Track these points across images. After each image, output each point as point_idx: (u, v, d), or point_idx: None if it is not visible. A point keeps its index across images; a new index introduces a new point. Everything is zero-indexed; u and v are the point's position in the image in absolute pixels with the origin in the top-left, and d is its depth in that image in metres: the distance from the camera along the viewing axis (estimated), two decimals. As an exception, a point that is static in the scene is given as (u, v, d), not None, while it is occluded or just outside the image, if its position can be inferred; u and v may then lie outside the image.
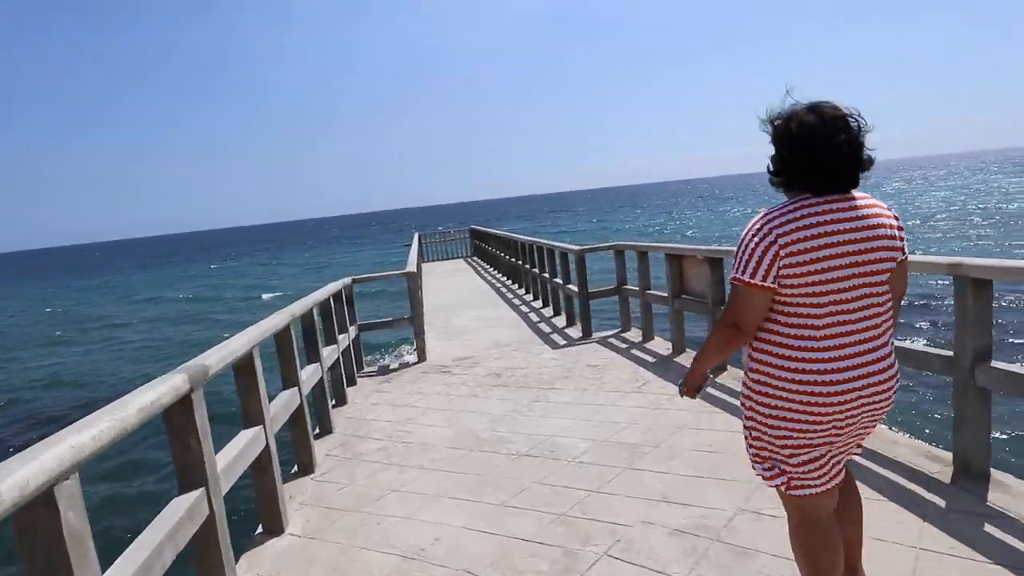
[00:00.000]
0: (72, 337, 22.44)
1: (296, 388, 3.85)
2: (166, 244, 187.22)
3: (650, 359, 6.01)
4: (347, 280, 6.67)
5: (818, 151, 1.61)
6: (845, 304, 1.64)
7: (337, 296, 6.18)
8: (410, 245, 14.52)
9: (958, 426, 2.96)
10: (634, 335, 7.16)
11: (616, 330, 7.53)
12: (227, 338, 2.92)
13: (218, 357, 2.50)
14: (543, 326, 8.60)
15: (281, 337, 3.78)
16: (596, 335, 7.49)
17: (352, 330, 6.62)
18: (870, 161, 1.67)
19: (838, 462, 1.80)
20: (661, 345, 6.47)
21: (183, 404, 2.16)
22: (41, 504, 1.39)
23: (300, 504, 3.53)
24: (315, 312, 4.67)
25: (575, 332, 7.84)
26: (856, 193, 1.69)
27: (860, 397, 1.65)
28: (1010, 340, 9.93)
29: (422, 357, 7.16)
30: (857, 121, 1.64)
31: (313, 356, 4.64)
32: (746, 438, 1.85)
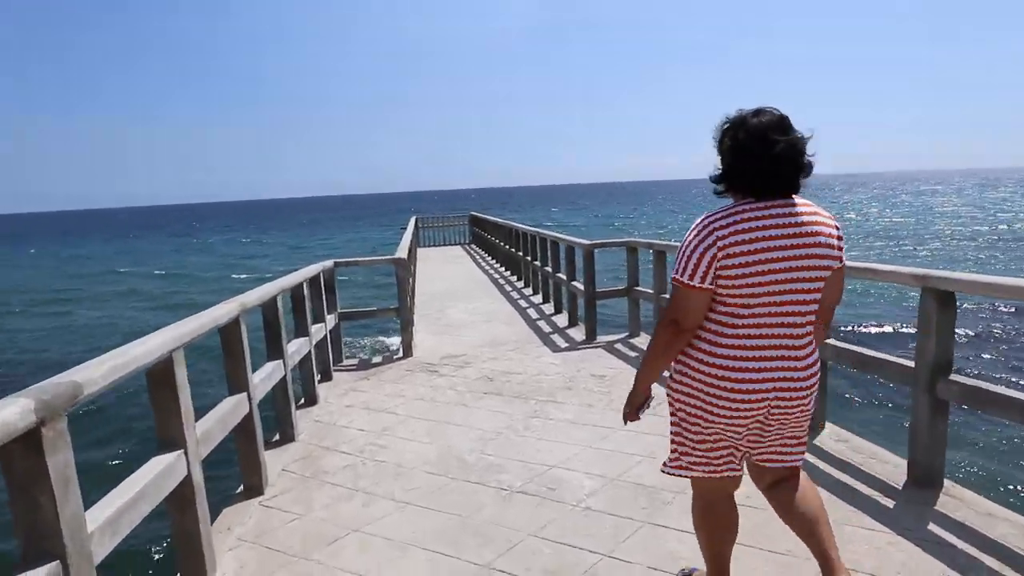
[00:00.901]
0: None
1: (244, 394, 3.14)
2: (151, 215, 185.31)
3: (664, 372, 5.32)
4: (328, 263, 5.95)
5: (760, 155, 1.66)
6: (773, 307, 1.70)
7: (314, 281, 5.47)
8: (405, 228, 13.78)
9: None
10: (644, 342, 6.47)
11: (624, 335, 6.84)
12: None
13: (102, 371, 1.78)
14: (543, 324, 7.90)
15: (227, 332, 3.08)
16: (602, 339, 6.79)
17: (331, 319, 5.91)
18: (810, 167, 1.71)
19: (744, 455, 1.91)
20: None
21: (27, 448, 1.46)
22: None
23: (238, 540, 2.83)
24: (279, 301, 3.96)
25: (578, 334, 7.14)
26: (798, 199, 1.73)
27: (767, 398, 1.74)
28: (970, 354, 10.08)
29: (408, 352, 6.46)
30: (799, 131, 1.69)
31: (274, 352, 3.94)
32: (673, 427, 1.92)
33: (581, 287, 7.05)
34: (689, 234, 1.72)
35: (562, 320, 7.99)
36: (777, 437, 1.85)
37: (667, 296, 5.87)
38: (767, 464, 1.90)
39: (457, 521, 2.89)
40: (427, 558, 2.60)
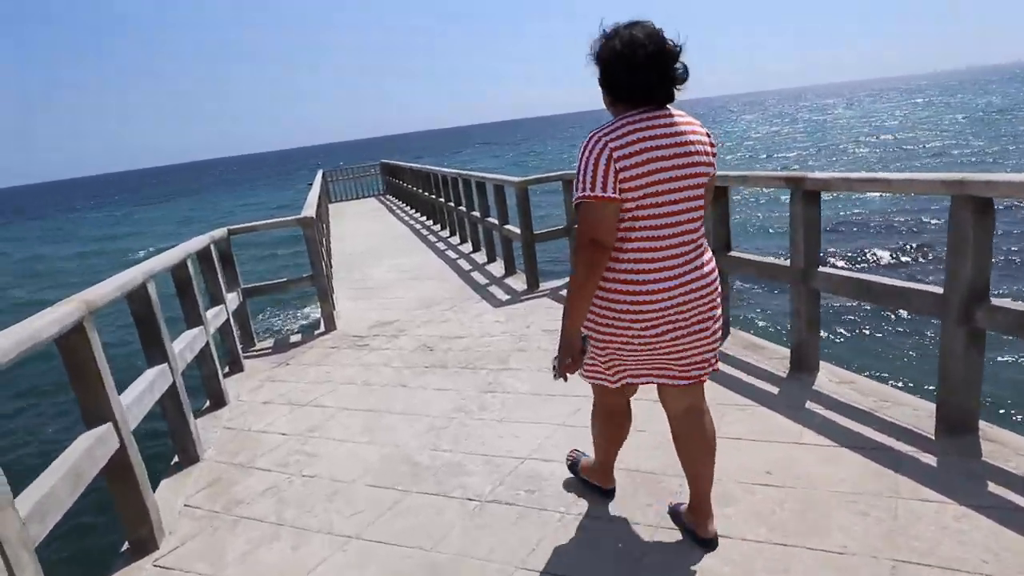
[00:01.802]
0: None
1: (108, 424, 2.31)
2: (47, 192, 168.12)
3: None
4: (220, 232, 4.97)
5: (635, 63, 1.67)
6: (668, 216, 1.72)
7: (204, 255, 4.53)
8: (311, 185, 12.54)
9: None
10: None
11: (568, 280, 6.26)
12: None
13: None
14: (477, 276, 7.20)
15: (69, 345, 2.21)
16: (545, 287, 6.19)
17: (232, 298, 4.99)
18: (684, 74, 1.72)
19: (648, 371, 1.92)
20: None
21: None
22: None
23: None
24: (151, 287, 3.06)
25: (518, 284, 6.51)
26: (673, 110, 1.76)
27: (672, 304, 1.75)
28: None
29: (330, 326, 5.63)
30: (671, 40, 1.69)
31: (155, 354, 3.07)
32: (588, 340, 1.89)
33: (516, 231, 6.37)
34: (582, 152, 1.71)
35: (497, 269, 7.32)
36: (684, 350, 1.85)
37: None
38: (676, 382, 1.93)
39: (420, 559, 2.23)
40: (387, 625, 1.94)
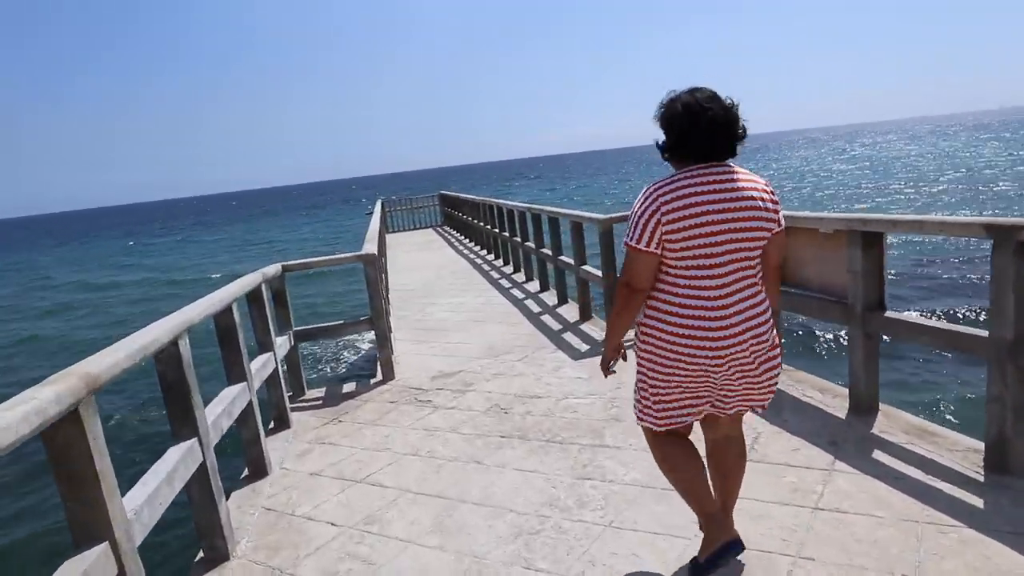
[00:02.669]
0: None
1: (106, 544, 1.70)
2: (116, 215, 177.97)
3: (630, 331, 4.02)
4: (272, 269, 4.46)
5: (695, 124, 1.78)
6: (719, 268, 1.80)
7: (254, 296, 3.99)
8: (371, 214, 12.19)
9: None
10: None
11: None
12: None
13: None
14: (549, 320, 6.51)
15: (58, 439, 1.62)
16: (627, 335, 5.45)
17: (282, 342, 4.44)
18: (744, 132, 1.84)
19: (702, 409, 1.99)
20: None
21: None
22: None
23: None
24: (183, 345, 2.49)
25: (595, 330, 5.79)
26: (735, 167, 1.86)
27: (723, 353, 1.82)
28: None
29: (388, 375, 5.02)
30: (729, 99, 1.83)
31: (184, 428, 2.48)
32: (635, 383, 2.04)
33: (597, 273, 5.67)
34: (637, 202, 1.85)
35: (570, 312, 6.62)
36: (739, 390, 1.94)
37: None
38: (728, 411, 2.00)
39: None
40: None
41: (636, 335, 1.98)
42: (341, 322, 5.04)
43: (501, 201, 10.76)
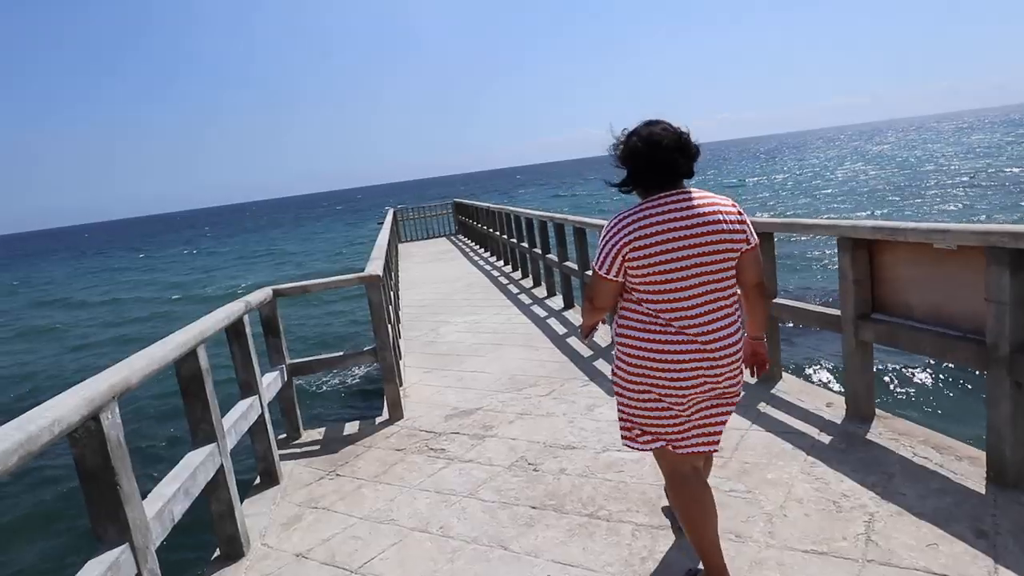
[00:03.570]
0: None
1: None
2: (126, 228, 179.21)
3: (812, 431, 3.29)
4: (259, 296, 3.80)
5: (654, 153, 1.86)
6: (684, 292, 1.85)
7: (235, 331, 3.34)
8: (382, 224, 11.57)
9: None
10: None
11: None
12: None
13: None
14: (576, 344, 5.80)
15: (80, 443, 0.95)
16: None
17: (271, 381, 3.78)
18: (697, 152, 1.91)
19: (695, 427, 2.00)
20: (818, 398, 3.75)
21: None
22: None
23: None
24: (107, 419, 1.81)
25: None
26: (696, 191, 1.90)
27: (698, 376, 1.88)
28: None
29: (395, 414, 4.35)
30: (681, 130, 1.90)
31: (109, 528, 1.81)
32: (618, 410, 2.07)
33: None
34: (604, 230, 1.91)
35: (599, 335, 5.91)
36: (704, 420, 1.99)
37: (799, 305, 3.86)
38: (692, 451, 2.01)
39: None
40: None
41: (614, 365, 2.02)
42: (341, 353, 4.36)
43: (519, 209, 10.10)
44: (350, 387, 8.91)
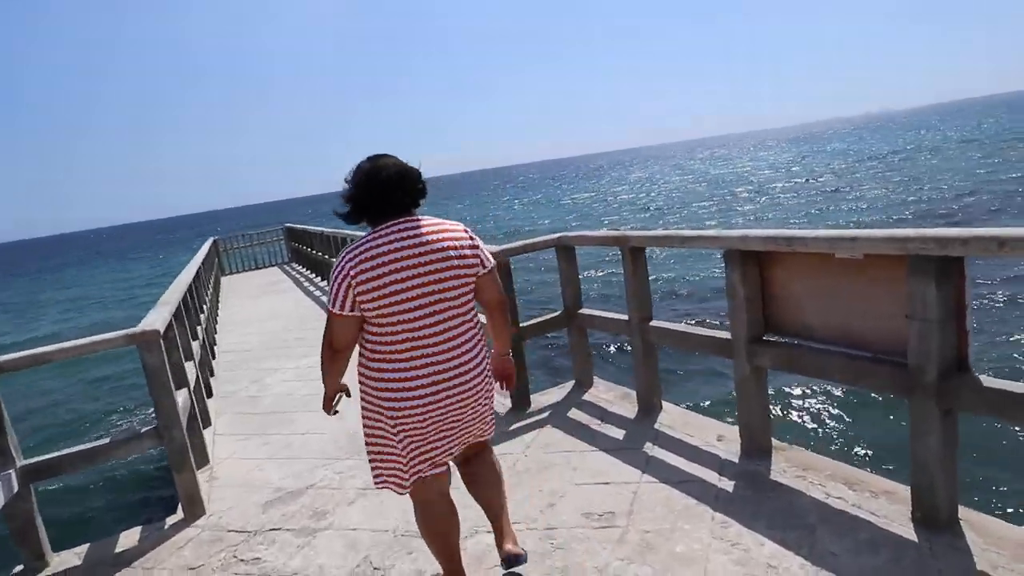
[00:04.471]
0: None
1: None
2: None
3: (710, 476, 2.80)
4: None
5: (375, 185, 1.89)
6: (420, 320, 1.86)
7: None
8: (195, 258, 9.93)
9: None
10: (610, 399, 3.97)
11: (569, 390, 4.25)
12: None
13: None
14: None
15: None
16: (541, 401, 4.14)
17: (-13, 498, 2.57)
18: (423, 191, 1.96)
19: (441, 453, 2.00)
20: (707, 432, 3.29)
21: None
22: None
23: None
24: None
25: (495, 402, 4.40)
26: (425, 219, 1.93)
27: (436, 402, 1.89)
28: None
29: (193, 511, 3.27)
30: (408, 165, 1.95)
31: None
32: (367, 446, 2.07)
33: (489, 322, 4.30)
34: (335, 267, 1.89)
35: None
36: (462, 431, 2.01)
37: (668, 326, 3.39)
38: (440, 471, 2.04)
39: None
40: None
41: (361, 400, 1.99)
42: (107, 441, 3.17)
43: (358, 232, 9.11)
44: (136, 475, 6.65)
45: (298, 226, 16.56)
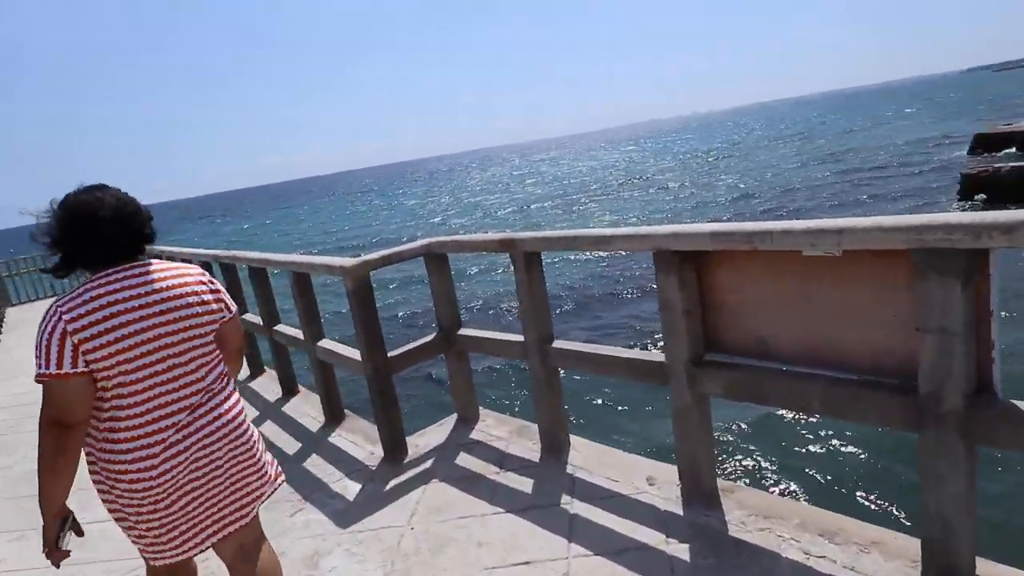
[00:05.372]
0: None
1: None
2: None
3: (655, 538, 2.22)
4: None
5: (91, 227, 1.54)
6: (164, 374, 1.59)
7: None
8: None
9: None
10: (499, 431, 3.32)
11: (441, 424, 3.54)
12: None
13: None
14: (273, 430, 4.03)
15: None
16: (419, 444, 3.37)
17: None
18: (151, 235, 1.65)
19: (201, 531, 1.70)
20: (633, 473, 2.70)
21: None
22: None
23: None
24: None
25: (358, 447, 3.55)
26: (156, 263, 1.65)
27: (185, 465, 1.61)
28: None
29: None
30: (128, 198, 1.62)
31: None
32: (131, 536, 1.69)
33: (351, 356, 3.44)
34: (40, 325, 1.53)
35: (307, 407, 4.25)
36: (225, 498, 1.72)
37: (568, 347, 2.77)
38: (227, 530, 1.74)
39: None
40: None
41: (94, 482, 1.63)
42: None
43: (177, 249, 7.62)
44: None
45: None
